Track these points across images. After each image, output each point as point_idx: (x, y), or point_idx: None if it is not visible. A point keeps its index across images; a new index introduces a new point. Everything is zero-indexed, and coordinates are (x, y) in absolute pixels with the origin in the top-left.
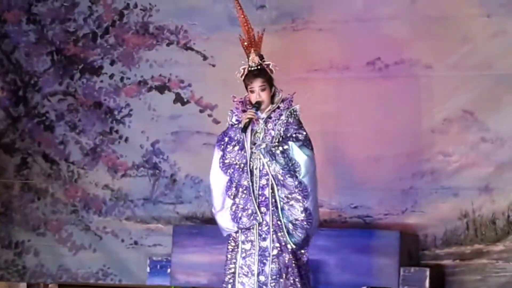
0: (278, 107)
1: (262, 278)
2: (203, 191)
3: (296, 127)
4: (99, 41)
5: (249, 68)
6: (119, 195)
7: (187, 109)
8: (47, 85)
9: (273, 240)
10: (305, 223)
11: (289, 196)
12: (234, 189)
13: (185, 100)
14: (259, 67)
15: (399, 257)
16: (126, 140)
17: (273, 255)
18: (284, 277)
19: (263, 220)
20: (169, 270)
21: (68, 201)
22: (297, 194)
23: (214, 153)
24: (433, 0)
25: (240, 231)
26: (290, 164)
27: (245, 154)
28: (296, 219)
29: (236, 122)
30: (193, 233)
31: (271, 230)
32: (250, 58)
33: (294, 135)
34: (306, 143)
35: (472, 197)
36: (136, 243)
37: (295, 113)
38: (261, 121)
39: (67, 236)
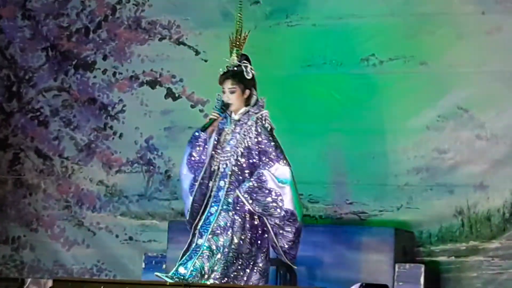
0: (249, 111)
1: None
2: None
3: (266, 141)
4: (91, 36)
5: (227, 68)
6: (113, 191)
7: (178, 104)
8: (42, 81)
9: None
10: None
11: (280, 224)
12: (193, 186)
13: (177, 95)
14: (236, 68)
15: (394, 253)
16: (121, 136)
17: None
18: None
19: (217, 219)
20: (164, 266)
21: (60, 197)
22: (286, 225)
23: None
24: None
25: (193, 227)
26: (271, 200)
27: (206, 154)
28: (289, 241)
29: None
30: (188, 229)
31: (211, 232)
32: (230, 57)
33: (268, 157)
34: (280, 158)
35: (467, 194)
36: (131, 238)
37: (263, 120)
38: (232, 123)
39: (59, 231)
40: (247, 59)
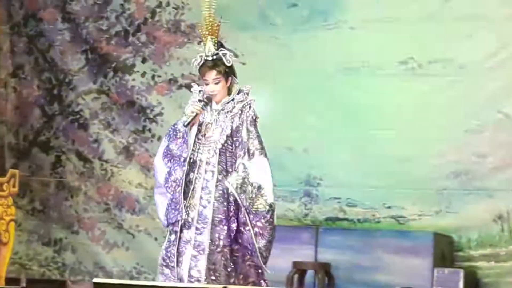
0: (233, 99)
1: (194, 272)
2: None
3: (248, 131)
4: (131, 39)
5: (205, 58)
6: (152, 194)
7: None
8: (82, 84)
9: (210, 234)
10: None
11: (262, 222)
12: (172, 183)
13: None
14: (214, 57)
15: (433, 258)
16: (159, 138)
17: (209, 250)
18: (213, 274)
19: (202, 214)
20: None
21: (100, 200)
22: (267, 221)
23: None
24: None
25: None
26: (255, 194)
27: (186, 149)
28: (267, 242)
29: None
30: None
31: (210, 225)
32: (206, 46)
33: (248, 148)
34: (259, 149)
35: (507, 198)
36: None
37: (249, 108)
38: (214, 112)
39: (100, 234)
40: (223, 46)
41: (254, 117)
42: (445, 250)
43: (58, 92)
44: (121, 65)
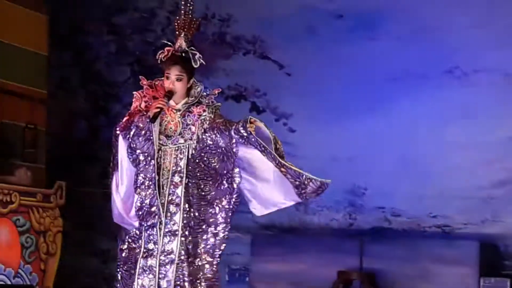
0: (200, 102)
1: (163, 283)
2: None
3: (223, 122)
4: None
5: (173, 52)
6: None
7: (262, 118)
8: (127, 95)
9: (181, 243)
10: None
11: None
12: (139, 182)
13: (261, 109)
14: (183, 54)
15: (479, 267)
16: None
17: (178, 260)
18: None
19: (171, 220)
20: (247, 279)
21: None
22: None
23: (118, 140)
24: None
25: (143, 228)
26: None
27: (152, 146)
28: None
29: (145, 109)
30: (271, 242)
31: (180, 232)
32: (178, 41)
33: (235, 131)
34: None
35: None
36: None
37: (217, 110)
38: (177, 113)
39: None
40: (194, 45)
41: (224, 122)
42: (492, 259)
43: (104, 104)
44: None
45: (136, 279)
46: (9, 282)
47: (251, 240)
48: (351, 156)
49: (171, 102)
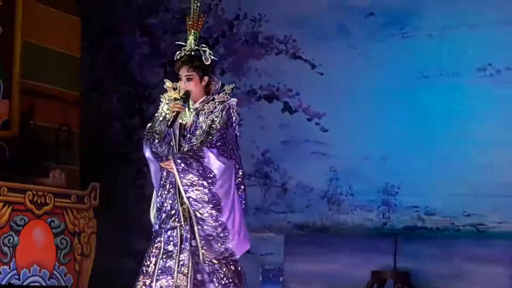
0: (213, 99)
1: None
2: (314, 200)
3: (221, 125)
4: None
5: (185, 53)
6: None
7: (295, 118)
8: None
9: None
10: (221, 235)
11: (202, 210)
12: (162, 184)
13: (293, 108)
14: (192, 52)
15: None
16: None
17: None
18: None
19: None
20: (281, 279)
21: None
22: (211, 208)
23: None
24: None
25: (163, 230)
26: (204, 173)
27: (172, 150)
28: (210, 234)
29: (167, 112)
30: (305, 241)
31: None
32: (188, 41)
33: (213, 138)
34: (224, 150)
35: None
36: (248, 251)
37: (229, 108)
38: (192, 112)
39: None
40: (206, 42)
41: (234, 119)
42: None
43: (138, 105)
44: None
45: (154, 280)
46: (44, 283)
47: (284, 240)
48: (384, 155)
49: (191, 102)
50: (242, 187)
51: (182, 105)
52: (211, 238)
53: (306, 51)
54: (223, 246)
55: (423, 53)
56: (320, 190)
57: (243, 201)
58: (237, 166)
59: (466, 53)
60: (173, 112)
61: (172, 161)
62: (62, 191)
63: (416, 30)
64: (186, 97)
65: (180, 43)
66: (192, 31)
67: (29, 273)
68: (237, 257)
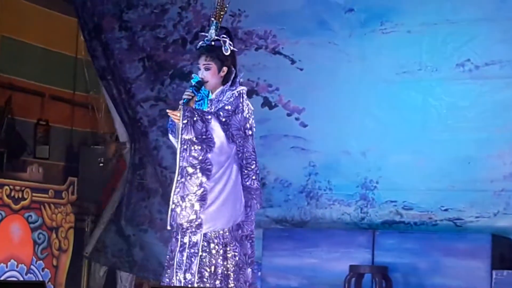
0: (226, 90)
1: (188, 275)
2: (292, 195)
3: (227, 109)
4: (188, 46)
5: (204, 41)
6: None
7: (274, 113)
8: (140, 91)
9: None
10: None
11: (191, 169)
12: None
13: (273, 104)
14: (212, 42)
15: (491, 260)
16: None
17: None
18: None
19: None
20: (259, 273)
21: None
22: (199, 169)
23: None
24: None
25: None
26: (205, 136)
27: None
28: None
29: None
30: (283, 236)
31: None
32: (209, 30)
33: (220, 112)
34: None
35: None
36: None
37: (239, 95)
38: (210, 103)
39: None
40: (228, 33)
41: (245, 107)
42: (504, 252)
43: (120, 100)
44: (178, 72)
45: (174, 273)
46: (21, 278)
47: (262, 235)
48: (363, 150)
49: (209, 93)
50: (254, 177)
51: (192, 92)
52: (187, 199)
53: (285, 47)
54: (194, 214)
55: (403, 49)
56: (298, 185)
57: (255, 196)
58: (250, 158)
59: (445, 49)
60: (183, 100)
61: (181, 112)
62: (40, 186)
63: (396, 26)
64: (198, 86)
65: (204, 33)
66: (214, 21)
67: (6, 268)
68: (202, 231)
